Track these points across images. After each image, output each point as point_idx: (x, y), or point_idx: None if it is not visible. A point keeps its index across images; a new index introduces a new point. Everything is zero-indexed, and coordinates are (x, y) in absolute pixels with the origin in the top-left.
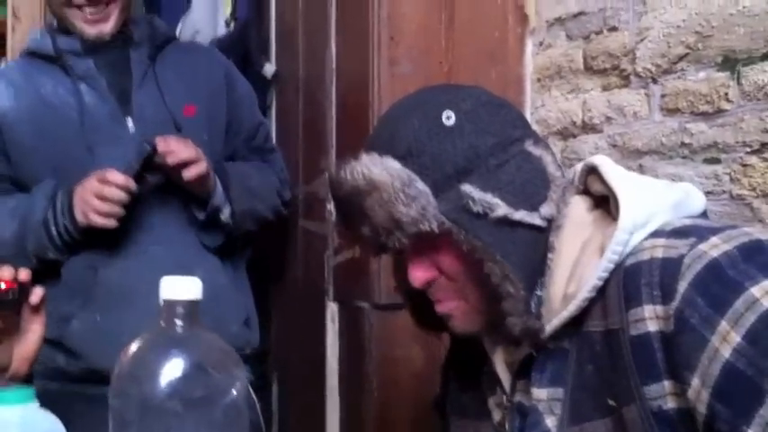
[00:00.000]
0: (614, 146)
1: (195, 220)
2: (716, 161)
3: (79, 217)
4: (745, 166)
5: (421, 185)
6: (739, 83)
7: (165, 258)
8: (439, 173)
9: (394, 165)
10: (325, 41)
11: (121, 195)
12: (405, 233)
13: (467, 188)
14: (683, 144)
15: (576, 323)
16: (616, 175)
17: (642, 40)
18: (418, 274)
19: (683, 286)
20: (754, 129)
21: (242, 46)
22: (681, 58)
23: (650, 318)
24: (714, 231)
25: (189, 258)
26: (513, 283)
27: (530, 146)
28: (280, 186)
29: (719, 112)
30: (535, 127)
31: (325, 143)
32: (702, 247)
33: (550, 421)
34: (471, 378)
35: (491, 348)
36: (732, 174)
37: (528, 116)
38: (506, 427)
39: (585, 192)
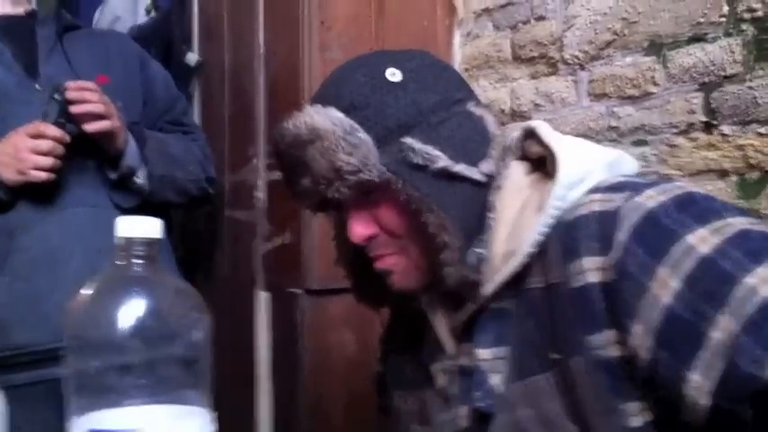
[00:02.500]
0: None
1: (109, 180)
2: (643, 143)
3: (11, 176)
4: (672, 146)
5: (363, 135)
6: (665, 66)
7: (83, 220)
8: (381, 125)
9: (337, 115)
10: (252, 28)
11: (59, 148)
12: (346, 183)
13: (408, 140)
14: (610, 128)
15: (517, 282)
16: (554, 136)
17: (569, 28)
18: (359, 230)
19: (620, 237)
20: (680, 110)
21: (164, 35)
22: (608, 44)
23: (590, 269)
24: (649, 185)
25: (108, 220)
26: (450, 233)
27: (472, 106)
28: (202, 159)
29: (646, 95)
30: None
31: (253, 131)
32: (638, 198)
33: (495, 379)
34: (411, 350)
35: (433, 315)
36: (659, 155)
37: None
38: (450, 390)
39: (524, 157)
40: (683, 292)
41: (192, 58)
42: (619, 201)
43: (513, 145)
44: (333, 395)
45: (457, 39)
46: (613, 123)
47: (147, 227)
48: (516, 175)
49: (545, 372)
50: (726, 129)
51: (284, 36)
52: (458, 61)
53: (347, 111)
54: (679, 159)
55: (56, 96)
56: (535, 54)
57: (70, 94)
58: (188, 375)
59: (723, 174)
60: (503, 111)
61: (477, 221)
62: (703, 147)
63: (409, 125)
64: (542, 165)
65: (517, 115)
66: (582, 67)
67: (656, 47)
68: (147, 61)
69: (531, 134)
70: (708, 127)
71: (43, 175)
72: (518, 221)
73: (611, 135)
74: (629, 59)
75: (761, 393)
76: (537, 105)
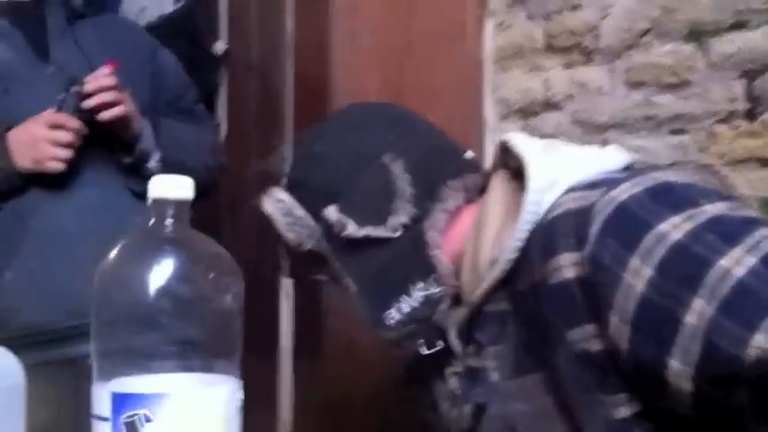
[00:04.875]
0: (577, 121)
1: (123, 164)
2: (682, 132)
3: (26, 163)
4: (712, 135)
5: (300, 212)
6: (706, 54)
7: (95, 202)
8: (312, 198)
9: (280, 196)
10: (280, 16)
11: (77, 140)
12: (298, 254)
13: (329, 210)
14: (647, 117)
15: (508, 284)
16: (524, 145)
17: (605, 17)
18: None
19: (594, 230)
20: (721, 98)
21: (191, 24)
22: (645, 32)
23: (566, 265)
24: (625, 179)
25: (120, 203)
26: (361, 303)
27: (387, 160)
28: (212, 148)
29: (685, 83)
30: (496, 107)
31: (280, 120)
32: (612, 193)
33: (495, 376)
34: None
35: (446, 319)
36: (699, 143)
37: (488, 96)
38: (457, 390)
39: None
40: (657, 280)
41: (220, 46)
42: (594, 197)
43: (494, 160)
44: (356, 381)
45: (488, 29)
46: (650, 112)
47: (180, 186)
48: (498, 185)
49: (538, 371)
50: None
51: (313, 23)
52: (489, 51)
53: (290, 189)
54: (720, 148)
55: (74, 89)
56: (569, 43)
57: (88, 88)
58: (218, 342)
59: (765, 163)
60: (535, 101)
61: (409, 270)
62: (745, 135)
63: (332, 193)
64: (522, 173)
65: (550, 105)
66: (618, 56)
67: (695, 34)
68: (157, 49)
69: (506, 147)
70: (750, 115)
71: (60, 166)
72: (501, 229)
73: (648, 124)
74: (667, 47)
75: (750, 375)
76: (571, 95)
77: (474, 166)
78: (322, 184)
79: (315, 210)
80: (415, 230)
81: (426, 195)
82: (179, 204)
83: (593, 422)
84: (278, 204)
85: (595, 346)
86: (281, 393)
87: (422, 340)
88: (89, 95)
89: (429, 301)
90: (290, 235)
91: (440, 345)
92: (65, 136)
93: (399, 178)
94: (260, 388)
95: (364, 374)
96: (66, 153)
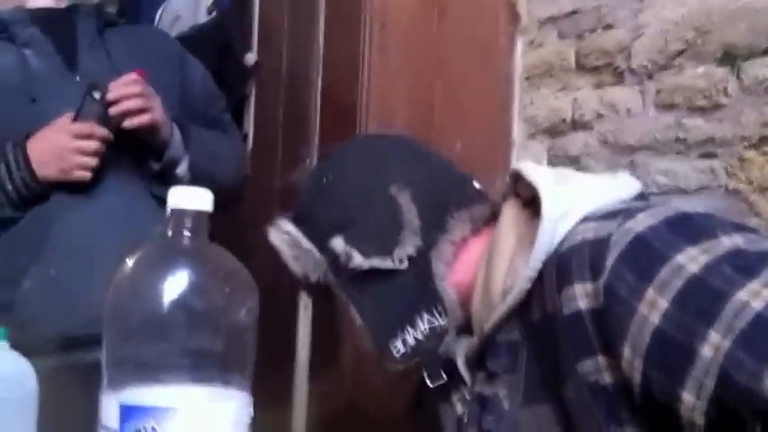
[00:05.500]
0: (605, 142)
1: (148, 171)
2: (712, 156)
3: (52, 173)
4: (742, 160)
5: (306, 244)
6: (739, 77)
7: (118, 210)
8: (319, 231)
9: (287, 228)
10: (312, 29)
11: (103, 148)
12: (305, 285)
13: (335, 242)
14: (678, 139)
15: (522, 315)
16: (537, 173)
17: (638, 37)
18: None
19: (610, 261)
20: (754, 123)
21: (223, 35)
22: (678, 53)
23: (581, 296)
24: (641, 209)
25: (143, 211)
26: (367, 334)
27: (394, 191)
28: (239, 158)
29: (717, 106)
30: (523, 125)
31: (308, 132)
32: (629, 224)
33: (506, 405)
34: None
35: (453, 349)
36: (729, 168)
37: (516, 114)
38: (465, 417)
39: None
40: (672, 312)
41: (251, 58)
42: (611, 227)
43: (506, 188)
44: (372, 394)
45: (519, 46)
46: (681, 135)
47: (198, 198)
48: (510, 214)
49: (548, 401)
50: None
51: (343, 38)
52: (519, 69)
53: (297, 221)
54: (750, 173)
55: (95, 95)
56: (600, 63)
57: (111, 96)
58: (230, 356)
59: None
60: (563, 120)
61: (415, 302)
62: None
63: (339, 226)
64: (534, 202)
65: (579, 126)
66: (650, 77)
67: (729, 57)
68: (186, 59)
69: (518, 176)
70: None
71: (88, 175)
72: (514, 258)
73: (677, 147)
74: (700, 70)
75: (766, 409)
76: (600, 115)
77: (481, 195)
78: (329, 216)
79: (321, 241)
80: (421, 262)
81: (433, 226)
82: (197, 216)
83: None
84: (284, 236)
85: (607, 378)
86: (297, 404)
87: (426, 373)
88: (114, 102)
89: (434, 333)
90: (295, 267)
91: (443, 378)
92: (91, 145)
93: (406, 209)
94: (276, 399)
95: (381, 387)
96: (93, 161)
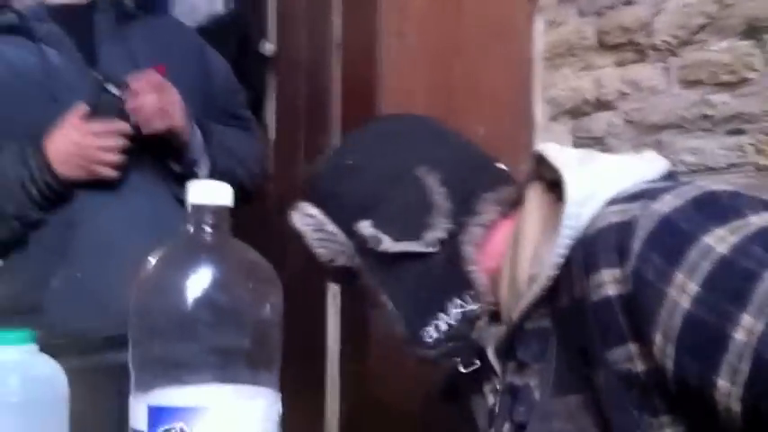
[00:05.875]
0: (630, 122)
1: (170, 172)
2: (740, 132)
3: (74, 173)
4: None
5: (331, 227)
6: (764, 51)
7: (144, 210)
8: (345, 214)
9: (311, 211)
10: (328, 16)
11: (126, 143)
12: (330, 270)
13: (362, 225)
14: (703, 116)
15: (550, 302)
16: (560, 156)
17: (659, 13)
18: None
19: (636, 245)
20: None
21: (240, 24)
22: (701, 28)
23: (609, 282)
24: (667, 190)
25: (169, 210)
26: (397, 320)
27: (421, 173)
28: (259, 155)
29: (743, 81)
30: (545, 107)
31: (328, 121)
32: (655, 205)
33: (537, 395)
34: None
35: (484, 337)
36: (757, 144)
37: (537, 96)
38: (497, 408)
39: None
40: (703, 295)
41: (269, 47)
42: (636, 210)
43: (529, 171)
44: (402, 384)
45: (538, 26)
46: (707, 112)
47: (219, 193)
48: (534, 198)
49: (582, 391)
50: None
51: (361, 23)
52: (539, 50)
53: (320, 205)
54: None
55: (113, 91)
56: (622, 40)
57: (130, 106)
58: (257, 353)
59: None
60: (586, 101)
61: (447, 287)
62: None
63: (365, 208)
64: (558, 185)
65: (602, 105)
66: (673, 53)
67: (754, 30)
68: (206, 52)
69: (541, 159)
70: None
71: (114, 173)
72: (539, 244)
73: (703, 124)
74: (724, 44)
75: None
76: (623, 94)
77: (507, 177)
78: (355, 199)
79: (347, 225)
80: (451, 245)
81: (462, 209)
82: (218, 211)
83: None
84: (308, 220)
85: (638, 366)
86: (329, 394)
87: (459, 359)
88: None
89: (466, 319)
90: (321, 251)
91: (477, 364)
92: (115, 141)
93: (435, 192)
94: (307, 391)
95: (411, 377)
96: (119, 158)
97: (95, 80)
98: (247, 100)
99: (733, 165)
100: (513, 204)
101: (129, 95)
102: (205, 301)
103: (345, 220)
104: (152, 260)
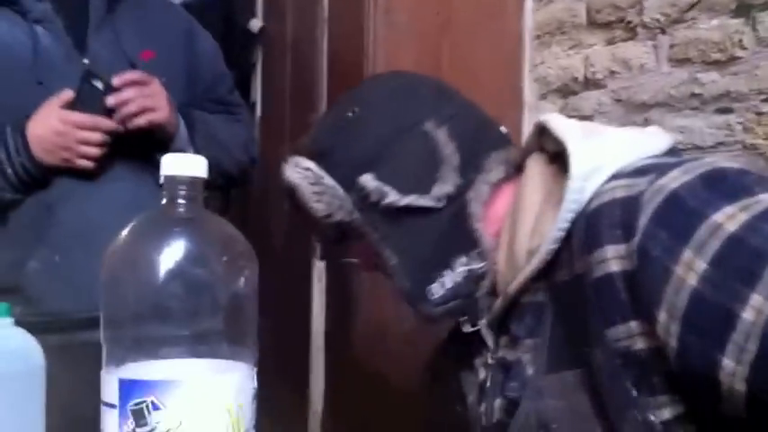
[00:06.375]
0: (618, 100)
1: (154, 161)
2: (728, 111)
3: (53, 161)
4: (759, 114)
5: (329, 181)
6: (755, 29)
7: (125, 196)
8: (345, 167)
9: (306, 164)
10: None
11: (108, 139)
12: (325, 226)
13: (365, 179)
14: (692, 95)
15: (548, 276)
16: (564, 127)
17: None
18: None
19: (643, 221)
20: None
21: (227, 1)
22: (691, 6)
23: (613, 258)
24: (675, 165)
25: (149, 199)
26: (402, 276)
27: (429, 126)
28: (247, 141)
29: (733, 60)
30: (534, 86)
31: (316, 99)
32: (662, 181)
33: (530, 371)
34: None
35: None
36: (745, 123)
37: (527, 74)
38: (488, 383)
39: (543, 151)
40: (711, 274)
41: (256, 24)
42: (642, 185)
43: (530, 142)
44: (388, 365)
45: (528, 3)
46: (696, 90)
47: (192, 164)
48: (536, 169)
49: (575, 367)
50: None
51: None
52: (529, 27)
53: (316, 158)
54: (767, 128)
55: (96, 84)
56: (612, 18)
57: (111, 102)
58: (231, 327)
59: None
60: (575, 79)
61: (452, 244)
62: None
63: (367, 162)
64: (561, 157)
65: (591, 83)
66: (663, 32)
67: (744, 8)
68: (195, 34)
69: (543, 129)
70: None
71: (91, 165)
72: (540, 217)
73: (692, 102)
74: (714, 22)
75: None
76: (613, 72)
77: (510, 141)
78: (355, 152)
79: (346, 178)
80: (458, 202)
81: (470, 166)
82: (192, 183)
83: (631, 423)
84: (304, 173)
85: (639, 344)
86: (314, 374)
87: (465, 317)
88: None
89: (472, 277)
90: (318, 206)
91: (482, 324)
92: (97, 137)
93: (444, 146)
94: (292, 371)
95: (396, 357)
96: (98, 151)
97: (82, 66)
98: (235, 79)
99: (721, 143)
100: (517, 168)
101: (112, 92)
102: (177, 273)
103: (344, 174)
104: (123, 233)
